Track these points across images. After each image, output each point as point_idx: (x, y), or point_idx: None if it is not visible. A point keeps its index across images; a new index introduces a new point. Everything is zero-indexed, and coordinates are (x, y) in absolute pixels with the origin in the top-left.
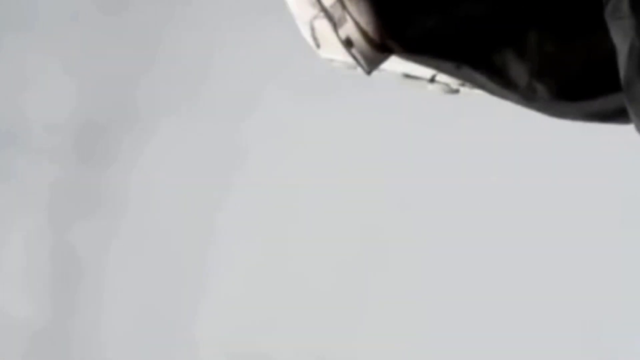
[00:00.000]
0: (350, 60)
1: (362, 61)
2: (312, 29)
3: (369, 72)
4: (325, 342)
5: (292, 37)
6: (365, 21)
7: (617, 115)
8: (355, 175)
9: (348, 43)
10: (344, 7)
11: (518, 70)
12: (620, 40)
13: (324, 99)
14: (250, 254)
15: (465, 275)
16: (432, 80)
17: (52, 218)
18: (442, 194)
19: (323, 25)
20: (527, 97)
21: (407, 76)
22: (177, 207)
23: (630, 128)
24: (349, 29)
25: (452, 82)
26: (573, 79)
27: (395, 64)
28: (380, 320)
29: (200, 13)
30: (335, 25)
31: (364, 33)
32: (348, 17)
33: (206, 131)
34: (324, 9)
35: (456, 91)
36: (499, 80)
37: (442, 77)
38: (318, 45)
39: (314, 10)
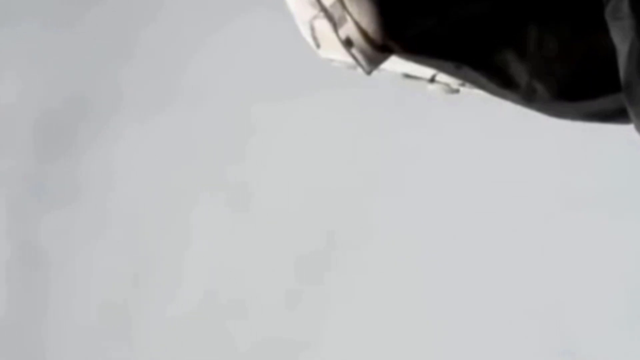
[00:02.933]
0: (350, 60)
1: (362, 61)
2: (312, 29)
3: (369, 72)
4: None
5: (277, 33)
6: (366, 21)
7: (617, 116)
8: (342, 178)
9: (348, 43)
10: (344, 7)
11: (518, 70)
12: (620, 40)
13: (306, 97)
14: (224, 247)
15: (463, 278)
16: (432, 80)
17: (11, 210)
18: (439, 194)
19: (323, 25)
20: (527, 97)
21: (407, 76)
22: (142, 199)
23: (630, 128)
24: (349, 29)
25: (452, 82)
26: (573, 79)
27: (395, 64)
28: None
29: (176, 4)
30: (335, 25)
31: (364, 33)
32: (348, 17)
33: (176, 125)
34: (323, 9)
35: (456, 91)
36: (499, 80)
37: (442, 77)
38: (318, 45)
39: (313, 10)
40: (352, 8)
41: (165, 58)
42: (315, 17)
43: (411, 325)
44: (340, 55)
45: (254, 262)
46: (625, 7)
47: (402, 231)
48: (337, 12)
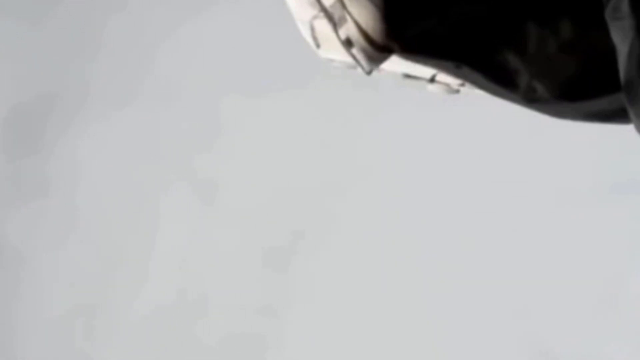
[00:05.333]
0: (350, 60)
1: (362, 61)
2: (312, 29)
3: (369, 72)
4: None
5: (245, 26)
6: (366, 21)
7: (617, 116)
8: (311, 172)
9: (348, 43)
10: (344, 6)
11: (518, 70)
12: (620, 40)
13: (276, 92)
14: (192, 243)
15: (436, 277)
16: (432, 80)
17: None
18: (410, 191)
19: (323, 25)
20: (527, 97)
21: (407, 76)
22: (111, 194)
23: (630, 128)
24: (349, 29)
25: (452, 82)
26: (573, 79)
27: (395, 64)
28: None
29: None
30: (335, 25)
31: (364, 33)
32: (348, 17)
33: (144, 120)
34: (323, 9)
35: (456, 91)
36: (499, 80)
37: (442, 77)
38: (318, 45)
39: (313, 10)
40: (352, 8)
41: (133, 53)
42: (315, 17)
43: (383, 324)
44: (340, 55)
45: (221, 258)
46: (625, 7)
47: (373, 227)
48: (337, 12)
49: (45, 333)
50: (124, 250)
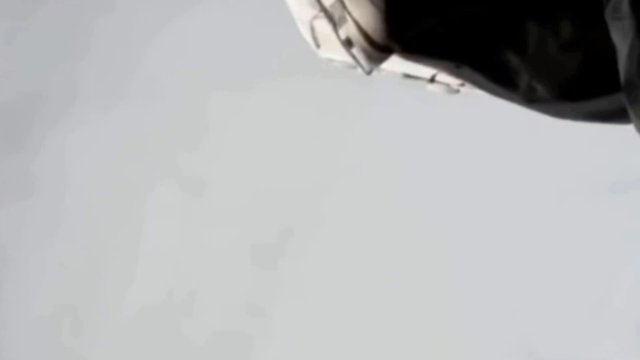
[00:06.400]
0: (350, 60)
1: (362, 61)
2: (312, 29)
3: (369, 72)
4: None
5: (231, 23)
6: (366, 21)
7: (617, 116)
8: (299, 167)
9: (348, 43)
10: (344, 6)
11: (518, 70)
12: (620, 40)
13: (263, 88)
14: (179, 240)
15: (424, 278)
16: (432, 80)
17: None
18: (400, 188)
19: (323, 25)
20: (527, 97)
21: (407, 76)
22: (98, 194)
23: (630, 128)
24: (349, 29)
25: (452, 82)
26: (573, 79)
27: (395, 64)
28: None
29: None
30: (335, 25)
31: (364, 33)
32: (348, 17)
33: (130, 119)
34: (324, 9)
35: (456, 91)
36: (499, 80)
37: (442, 77)
38: (318, 45)
39: (313, 10)
40: (352, 8)
41: (119, 51)
42: (315, 17)
43: (371, 323)
44: (340, 55)
45: (209, 256)
46: (625, 7)
47: (363, 227)
48: (337, 12)
49: (31, 333)
50: (111, 249)
